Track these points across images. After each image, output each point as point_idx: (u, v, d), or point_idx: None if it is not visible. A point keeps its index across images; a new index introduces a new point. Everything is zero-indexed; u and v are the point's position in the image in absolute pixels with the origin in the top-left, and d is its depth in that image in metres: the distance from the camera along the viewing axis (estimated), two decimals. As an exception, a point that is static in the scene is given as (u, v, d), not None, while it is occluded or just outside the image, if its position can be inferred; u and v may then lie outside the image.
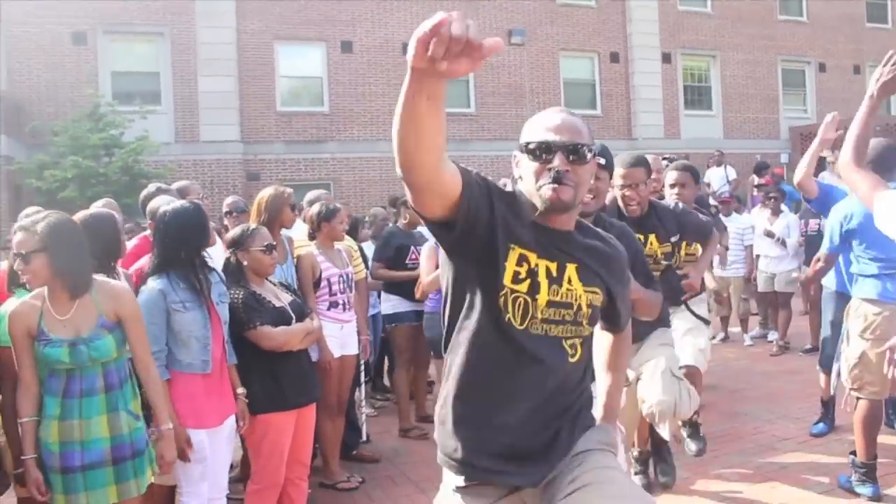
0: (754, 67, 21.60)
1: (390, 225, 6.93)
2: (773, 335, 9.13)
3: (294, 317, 4.01)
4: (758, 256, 9.10)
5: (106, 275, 3.38)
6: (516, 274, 1.98)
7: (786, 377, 7.40)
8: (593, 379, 2.39)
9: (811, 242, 8.46)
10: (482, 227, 1.90)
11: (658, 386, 3.89)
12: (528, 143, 2.00)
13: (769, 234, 8.82)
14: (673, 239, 4.29)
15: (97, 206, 5.12)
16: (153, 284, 3.53)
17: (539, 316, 2.00)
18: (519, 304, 1.98)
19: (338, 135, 17.48)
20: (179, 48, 16.40)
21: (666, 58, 20.59)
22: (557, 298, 2.01)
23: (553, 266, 2.03)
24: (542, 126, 2.02)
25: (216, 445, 3.57)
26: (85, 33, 15.77)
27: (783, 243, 8.76)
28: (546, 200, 1.97)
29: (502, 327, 1.98)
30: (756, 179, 12.54)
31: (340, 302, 4.99)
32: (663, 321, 4.48)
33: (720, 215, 9.49)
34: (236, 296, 3.89)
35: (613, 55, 20.09)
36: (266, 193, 4.79)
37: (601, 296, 2.12)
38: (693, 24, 20.98)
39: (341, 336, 4.97)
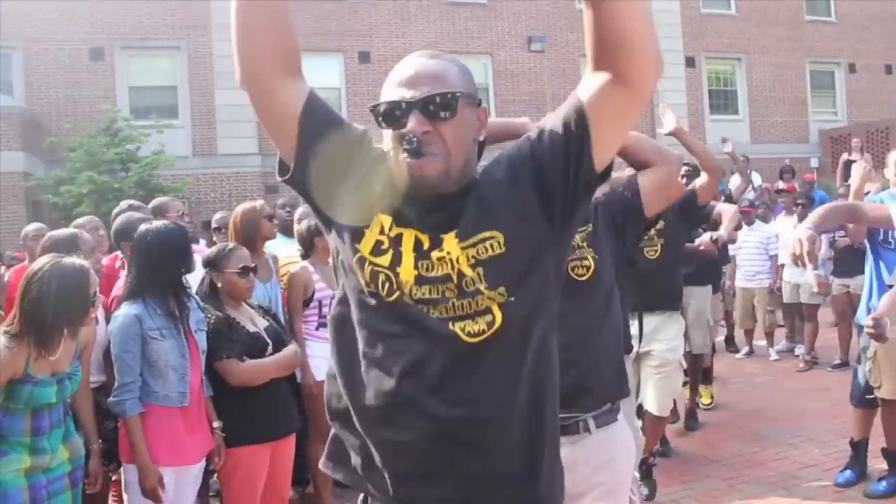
0: (781, 70, 21.16)
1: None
2: (800, 349, 8.79)
3: (270, 343, 3.74)
4: (782, 266, 8.76)
5: None
6: (378, 243, 1.56)
7: (812, 395, 7.05)
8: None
9: (842, 251, 8.13)
10: (327, 168, 1.60)
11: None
12: (374, 107, 1.55)
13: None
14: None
15: (80, 222, 4.97)
16: (128, 310, 3.33)
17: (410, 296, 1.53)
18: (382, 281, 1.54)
19: (356, 146, 17.36)
20: (196, 62, 16.39)
21: (689, 62, 20.23)
22: (427, 273, 1.52)
23: (425, 238, 1.54)
24: (392, 81, 1.57)
25: (182, 486, 3.36)
26: (102, 49, 15.82)
27: None
28: (407, 180, 1.52)
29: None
30: (780, 185, 12.16)
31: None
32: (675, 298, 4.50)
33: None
34: (207, 320, 3.66)
35: (636, 60, 19.75)
36: (238, 210, 4.61)
37: (499, 235, 1.52)
38: (717, 27, 20.61)
39: None
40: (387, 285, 1.53)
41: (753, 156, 17.07)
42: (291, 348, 3.89)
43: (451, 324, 1.50)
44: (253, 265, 3.86)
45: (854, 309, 7.30)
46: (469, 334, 1.50)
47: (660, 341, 4.50)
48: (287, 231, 5.51)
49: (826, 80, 22.05)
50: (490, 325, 1.50)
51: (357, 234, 1.57)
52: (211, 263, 3.80)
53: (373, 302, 1.55)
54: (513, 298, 1.50)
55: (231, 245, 3.97)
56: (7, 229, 12.99)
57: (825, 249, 8.42)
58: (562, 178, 1.53)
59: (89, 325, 3.21)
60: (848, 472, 4.81)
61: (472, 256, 1.50)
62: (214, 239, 5.60)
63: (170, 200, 5.50)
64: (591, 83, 1.50)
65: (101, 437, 3.50)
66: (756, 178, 14.74)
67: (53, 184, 13.36)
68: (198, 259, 4.56)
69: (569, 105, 1.53)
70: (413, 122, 1.49)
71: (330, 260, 4.90)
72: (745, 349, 9.09)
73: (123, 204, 5.01)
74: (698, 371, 6.32)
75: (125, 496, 3.42)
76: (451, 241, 1.52)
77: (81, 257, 3.32)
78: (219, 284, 3.76)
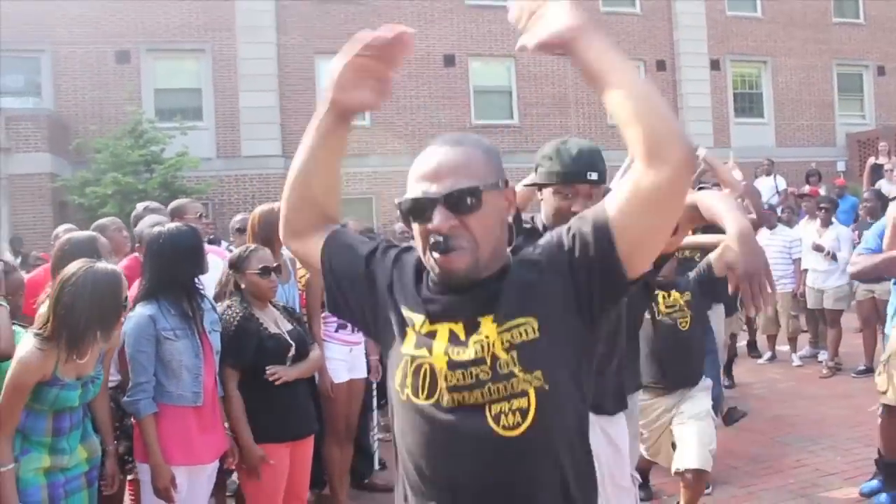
0: (808, 73, 20.90)
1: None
2: (823, 355, 8.68)
3: (293, 345, 3.77)
4: (805, 271, 8.66)
5: None
6: (415, 343, 1.60)
7: (835, 401, 6.95)
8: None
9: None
10: (353, 294, 1.72)
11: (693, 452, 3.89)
12: (399, 204, 1.56)
13: (818, 248, 8.38)
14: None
15: (103, 223, 5.01)
16: (142, 310, 3.37)
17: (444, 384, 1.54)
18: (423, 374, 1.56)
19: (379, 148, 17.36)
20: (221, 64, 16.53)
21: (714, 65, 20.06)
22: (459, 359, 1.53)
23: (459, 327, 1.55)
24: (415, 174, 1.56)
25: (196, 486, 3.38)
26: (129, 52, 16.00)
27: (833, 257, 8.31)
28: (437, 274, 1.54)
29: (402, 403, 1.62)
30: (806, 188, 12.03)
31: (349, 324, 4.77)
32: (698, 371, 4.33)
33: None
34: (232, 317, 3.70)
35: (660, 63, 19.64)
36: (257, 212, 4.60)
37: (533, 321, 1.52)
38: (742, 30, 20.41)
39: (350, 359, 4.75)
40: (425, 382, 1.55)
41: (779, 159, 16.90)
42: (316, 351, 3.99)
43: (486, 412, 1.50)
44: (275, 265, 3.89)
45: (879, 315, 7.22)
46: (505, 427, 1.49)
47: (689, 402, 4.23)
48: None
49: (854, 82, 21.74)
50: (524, 413, 1.49)
51: (394, 339, 1.63)
52: (234, 265, 3.85)
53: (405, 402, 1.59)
54: (547, 386, 1.49)
55: (252, 246, 3.99)
56: (33, 230, 13.18)
57: (848, 254, 8.31)
58: (589, 283, 1.52)
59: (118, 330, 3.24)
60: (875, 482, 4.68)
61: (507, 340, 1.51)
62: (232, 239, 5.61)
63: (188, 202, 5.49)
64: (619, 189, 1.49)
65: (122, 434, 3.56)
66: (780, 182, 14.61)
67: (79, 185, 13.56)
68: (219, 261, 4.60)
69: (597, 218, 1.50)
70: (438, 219, 1.48)
71: None
72: (768, 354, 9.00)
73: (140, 206, 5.03)
74: None
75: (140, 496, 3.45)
76: (488, 324, 1.52)
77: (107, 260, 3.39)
78: (242, 286, 3.80)
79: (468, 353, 1.51)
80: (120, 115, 14.70)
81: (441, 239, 1.48)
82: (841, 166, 19.98)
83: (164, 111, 15.57)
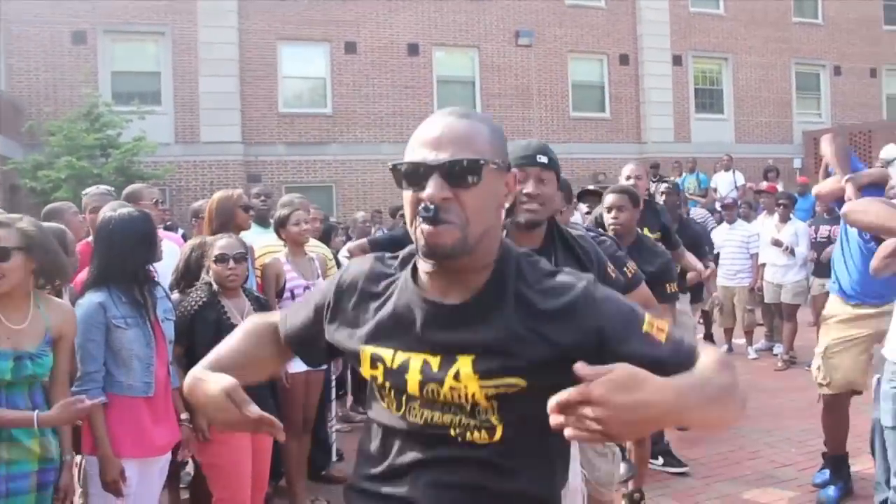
0: (767, 71, 21.20)
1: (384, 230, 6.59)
2: (778, 348, 8.83)
3: None
4: (763, 265, 8.79)
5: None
6: (373, 378, 1.55)
7: (790, 394, 7.05)
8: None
9: (818, 249, 8.17)
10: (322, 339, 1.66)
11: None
12: (395, 165, 1.46)
13: (776, 243, 8.49)
14: None
15: (58, 207, 4.87)
16: (92, 297, 3.23)
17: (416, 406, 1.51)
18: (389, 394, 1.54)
19: (340, 137, 17.24)
20: (181, 48, 16.22)
21: (677, 60, 20.24)
22: (435, 398, 1.47)
23: (434, 360, 1.47)
24: (417, 139, 1.47)
25: (147, 479, 3.28)
26: (85, 32, 15.62)
27: (792, 252, 8.43)
28: (422, 247, 1.43)
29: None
30: (764, 184, 12.19)
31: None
32: None
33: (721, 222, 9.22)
34: (192, 303, 3.71)
35: (623, 57, 19.76)
36: (215, 197, 4.55)
37: (520, 381, 1.43)
38: (705, 26, 20.62)
39: None
40: (394, 403, 1.52)
41: (738, 155, 17.17)
42: None
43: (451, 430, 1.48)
44: (235, 253, 3.84)
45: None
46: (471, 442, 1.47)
47: None
48: (262, 221, 5.41)
49: (811, 81, 22.11)
50: (492, 432, 1.45)
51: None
52: (201, 252, 3.92)
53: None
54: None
55: (224, 234, 4.01)
56: (-17, 213, 12.81)
57: (806, 249, 8.44)
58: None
59: (66, 318, 3.08)
60: (826, 472, 4.74)
61: (488, 393, 1.43)
62: (191, 224, 5.51)
63: (143, 187, 5.33)
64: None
65: None
66: (739, 178, 14.81)
67: (31, 168, 13.21)
68: (175, 248, 4.49)
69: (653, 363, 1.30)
70: (432, 188, 1.39)
71: (310, 252, 4.85)
72: (724, 347, 9.10)
73: (91, 189, 4.90)
74: None
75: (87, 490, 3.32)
76: (466, 370, 1.43)
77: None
78: (209, 273, 3.81)
79: (444, 398, 1.46)
80: (75, 98, 14.37)
81: (432, 208, 1.38)
82: (798, 163, 20.31)
83: (121, 95, 15.20)
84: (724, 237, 9.01)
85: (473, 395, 1.43)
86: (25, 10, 15.12)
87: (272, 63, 16.86)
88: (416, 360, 1.47)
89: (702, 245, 6.45)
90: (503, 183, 1.49)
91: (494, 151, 1.46)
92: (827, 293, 7.85)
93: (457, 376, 1.43)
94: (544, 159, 2.53)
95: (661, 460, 5.09)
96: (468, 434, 1.45)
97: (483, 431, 1.45)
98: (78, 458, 3.38)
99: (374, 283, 1.57)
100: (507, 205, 1.53)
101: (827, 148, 4.29)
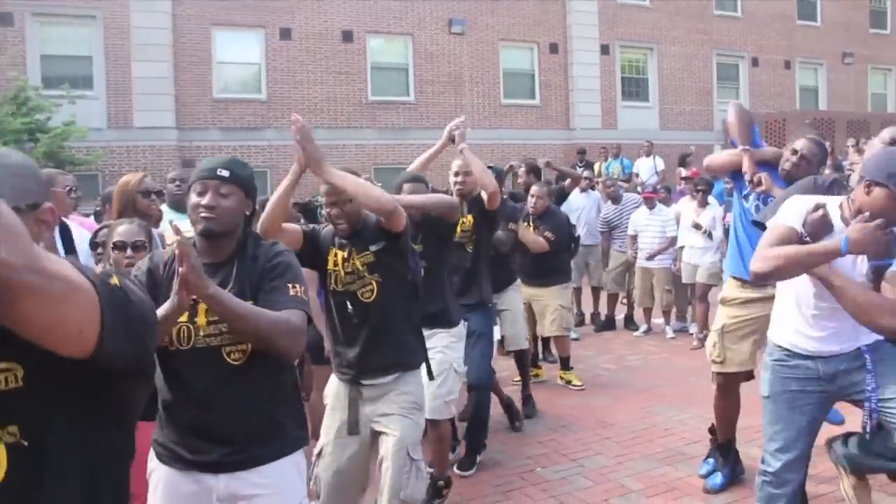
0: (690, 61, 22.02)
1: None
2: (693, 327, 9.23)
3: None
4: (682, 248, 9.17)
5: None
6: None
7: (703, 373, 7.07)
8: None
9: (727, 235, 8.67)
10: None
11: (387, 478, 3.29)
12: None
13: (696, 227, 8.87)
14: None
15: None
16: None
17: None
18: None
19: (275, 122, 17.31)
20: (112, 32, 16.06)
21: (604, 49, 20.85)
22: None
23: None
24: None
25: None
26: (11, 14, 15.34)
27: (710, 235, 8.87)
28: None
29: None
30: (683, 171, 12.79)
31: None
32: (446, 320, 4.27)
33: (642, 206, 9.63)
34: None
35: (553, 46, 20.27)
36: (121, 181, 4.35)
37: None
38: (631, 17, 21.27)
39: None
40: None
41: (662, 142, 17.90)
42: None
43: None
44: (137, 240, 3.55)
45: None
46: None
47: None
48: (179, 206, 5.21)
49: (731, 72, 23.04)
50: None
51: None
52: (98, 242, 3.74)
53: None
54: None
55: (126, 219, 3.72)
56: None
57: (721, 233, 8.87)
58: None
59: None
60: (711, 461, 4.80)
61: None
62: (107, 208, 5.21)
63: (58, 173, 5.04)
64: None
65: None
66: (659, 163, 15.46)
67: (-43, 153, 12.95)
68: (87, 234, 4.37)
69: None
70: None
71: None
72: (644, 327, 9.49)
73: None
74: (527, 364, 6.44)
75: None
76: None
77: None
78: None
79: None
80: (1, 81, 14.13)
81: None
82: (718, 150, 21.10)
83: (51, 79, 15.00)
84: (643, 222, 9.31)
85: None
86: (-51, -10, 14.77)
87: (207, 49, 16.84)
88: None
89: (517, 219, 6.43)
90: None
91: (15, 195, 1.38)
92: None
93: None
94: (225, 173, 2.47)
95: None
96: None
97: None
98: None
99: None
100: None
101: (732, 114, 4.45)
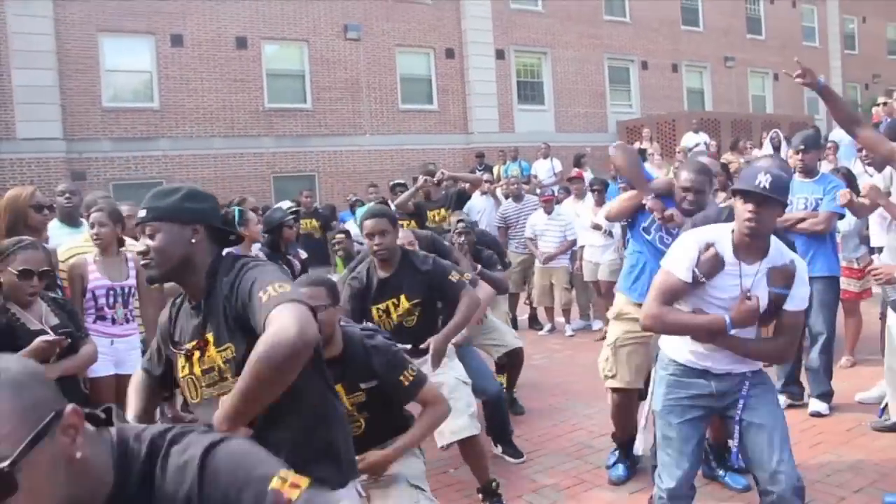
0: (583, 64, 22.60)
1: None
2: (597, 324, 9.44)
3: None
4: (582, 247, 9.32)
5: None
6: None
7: None
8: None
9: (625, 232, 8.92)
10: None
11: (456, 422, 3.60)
12: None
13: (596, 227, 9.08)
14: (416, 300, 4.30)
15: None
16: None
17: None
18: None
19: (169, 131, 16.85)
20: (-11, 39, 15.27)
21: (500, 54, 21.19)
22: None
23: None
24: None
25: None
26: None
27: (609, 234, 9.06)
28: None
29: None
30: (575, 171, 13.11)
31: (109, 316, 4.54)
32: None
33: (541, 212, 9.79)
34: None
35: (449, 51, 20.46)
36: (7, 195, 4.26)
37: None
38: (525, 22, 21.68)
39: (113, 352, 4.47)
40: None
41: (558, 144, 18.31)
42: (88, 349, 3.75)
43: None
44: (44, 269, 3.55)
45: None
46: None
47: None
48: (69, 219, 5.11)
49: (622, 75, 23.79)
50: None
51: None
52: None
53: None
54: None
55: (28, 241, 3.61)
56: None
57: (620, 230, 9.08)
58: None
59: None
60: (618, 453, 4.87)
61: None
62: None
63: None
64: None
65: None
66: (557, 165, 15.82)
67: None
68: None
69: None
70: None
71: (123, 251, 4.67)
72: (548, 326, 9.70)
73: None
74: (520, 364, 6.24)
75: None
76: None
77: None
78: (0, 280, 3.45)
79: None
80: None
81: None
82: (612, 150, 21.70)
83: (-77, 89, 14.17)
84: (542, 226, 9.54)
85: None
86: None
87: (93, 56, 16.21)
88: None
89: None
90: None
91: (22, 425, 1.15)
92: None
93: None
94: (142, 213, 2.29)
95: (500, 448, 5.26)
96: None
97: None
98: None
99: None
100: None
101: (619, 159, 4.58)
